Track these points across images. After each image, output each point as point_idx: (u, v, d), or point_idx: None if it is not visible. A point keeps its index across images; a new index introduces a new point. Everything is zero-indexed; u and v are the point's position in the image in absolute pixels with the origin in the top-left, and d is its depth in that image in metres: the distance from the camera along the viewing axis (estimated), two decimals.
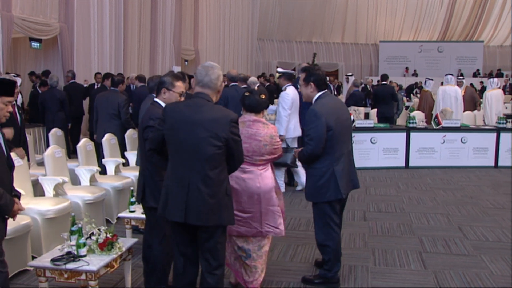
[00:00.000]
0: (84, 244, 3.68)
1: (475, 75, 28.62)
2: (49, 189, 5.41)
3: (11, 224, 3.68)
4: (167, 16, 15.68)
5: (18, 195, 3.26)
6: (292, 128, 7.46)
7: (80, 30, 11.42)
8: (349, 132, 4.39)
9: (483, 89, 19.56)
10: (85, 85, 11.01)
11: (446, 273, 4.70)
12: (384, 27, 31.06)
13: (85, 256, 3.65)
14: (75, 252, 3.65)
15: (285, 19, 28.97)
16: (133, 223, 4.95)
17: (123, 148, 7.42)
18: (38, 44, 10.63)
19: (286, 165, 6.67)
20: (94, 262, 3.59)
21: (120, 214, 5.09)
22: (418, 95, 16.44)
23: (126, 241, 4.05)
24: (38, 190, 5.82)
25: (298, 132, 7.55)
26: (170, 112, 3.27)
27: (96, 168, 6.23)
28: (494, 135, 10.17)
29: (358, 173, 4.50)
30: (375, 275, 4.66)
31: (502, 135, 10.14)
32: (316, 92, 4.27)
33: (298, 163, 5.80)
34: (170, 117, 3.24)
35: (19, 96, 8.36)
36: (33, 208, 4.81)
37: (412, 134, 10.02)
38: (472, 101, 12.77)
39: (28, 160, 5.78)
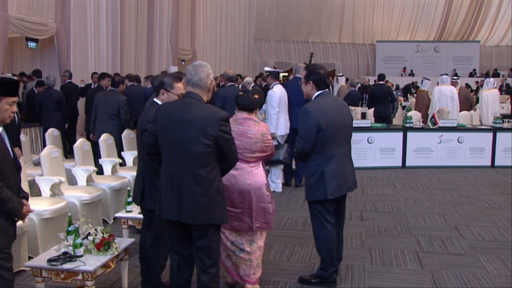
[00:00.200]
0: (81, 244, 3.67)
1: (471, 75, 28.68)
2: (45, 189, 5.40)
3: None
4: (164, 16, 15.66)
5: (26, 196, 3.21)
6: (281, 125, 7.61)
7: (77, 30, 11.38)
8: (345, 133, 4.29)
9: (479, 89, 19.60)
10: (82, 86, 10.98)
11: (443, 273, 4.71)
12: (381, 27, 31.09)
13: (81, 256, 3.64)
14: (72, 252, 3.65)
15: (282, 19, 28.97)
16: (130, 223, 4.94)
17: (120, 148, 7.40)
18: (35, 44, 10.61)
19: (279, 161, 6.73)
20: (91, 262, 3.58)
21: (117, 214, 5.09)
22: (415, 95, 16.47)
23: (123, 241, 4.05)
24: (34, 190, 5.80)
25: (287, 130, 7.71)
26: (161, 113, 3.32)
27: (92, 168, 6.22)
28: (490, 135, 10.19)
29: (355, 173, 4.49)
30: (372, 274, 4.67)
31: (499, 135, 10.17)
32: (315, 90, 4.28)
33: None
34: (161, 117, 3.29)
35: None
36: None
37: (409, 134, 10.03)
38: (466, 101, 12.80)
39: None
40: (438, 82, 11.83)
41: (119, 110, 7.65)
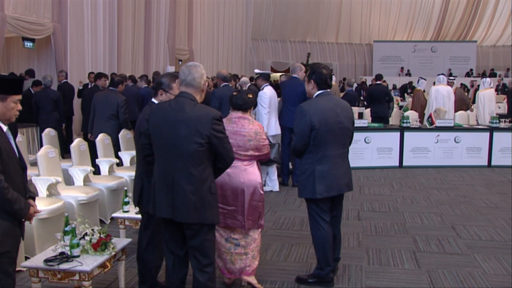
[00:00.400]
0: (78, 245, 3.66)
1: (468, 75, 28.75)
2: (42, 189, 5.39)
3: None
4: (161, 16, 15.65)
5: (33, 196, 3.17)
6: (272, 125, 7.77)
7: (74, 29, 11.36)
8: (341, 135, 4.23)
9: (469, 90, 19.64)
10: (80, 87, 10.94)
11: (440, 272, 4.72)
12: (378, 27, 31.15)
13: (78, 256, 3.64)
14: (69, 253, 3.64)
15: (279, 19, 28.98)
16: (127, 223, 4.94)
17: (117, 148, 7.39)
18: (31, 44, 10.58)
19: (270, 160, 6.80)
20: (88, 262, 3.58)
21: (114, 214, 5.08)
22: (411, 95, 16.51)
23: (120, 241, 4.04)
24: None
25: (278, 130, 7.88)
26: (154, 112, 3.35)
27: (89, 168, 6.21)
28: (487, 134, 10.21)
29: (352, 173, 4.49)
30: (369, 274, 4.67)
31: (495, 134, 10.19)
32: (316, 90, 4.29)
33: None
34: (154, 117, 3.32)
35: None
36: None
37: (406, 134, 10.05)
38: (462, 101, 12.82)
39: None
40: (434, 82, 11.86)
41: (118, 110, 7.64)
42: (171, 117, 3.24)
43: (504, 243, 5.58)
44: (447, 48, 30.62)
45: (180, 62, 17.77)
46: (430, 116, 10.41)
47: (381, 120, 10.96)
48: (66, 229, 3.83)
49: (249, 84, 9.81)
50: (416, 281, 4.54)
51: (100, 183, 6.24)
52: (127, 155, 7.28)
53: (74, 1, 11.32)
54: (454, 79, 13.67)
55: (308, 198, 4.29)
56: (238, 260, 4.13)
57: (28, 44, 10.53)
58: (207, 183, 3.28)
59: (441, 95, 11.51)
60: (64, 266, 3.53)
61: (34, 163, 6.61)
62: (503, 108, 15.26)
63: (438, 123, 10.19)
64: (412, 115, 11.31)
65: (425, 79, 13.24)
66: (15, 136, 6.02)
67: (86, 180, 6.13)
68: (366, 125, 9.97)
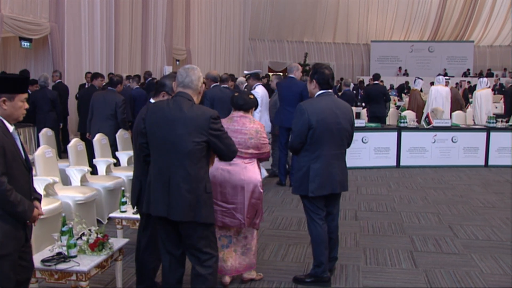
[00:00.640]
0: (75, 245, 3.66)
1: (465, 74, 28.82)
2: (39, 190, 5.34)
3: None
4: (159, 16, 15.64)
5: (38, 198, 3.13)
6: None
7: (71, 29, 11.34)
8: (338, 136, 4.24)
9: (471, 88, 19.62)
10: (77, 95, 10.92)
11: (437, 272, 4.73)
12: (375, 27, 31.20)
13: (75, 256, 3.63)
14: (66, 253, 3.64)
15: (277, 19, 29.00)
16: (124, 223, 4.93)
17: (114, 148, 7.38)
18: (28, 44, 10.55)
19: None
20: (85, 262, 3.57)
21: (111, 215, 5.07)
22: (408, 95, 16.54)
23: (117, 242, 4.04)
24: None
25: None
26: (152, 111, 3.37)
27: (87, 168, 6.20)
28: (484, 134, 10.23)
29: (349, 173, 4.50)
30: (366, 274, 4.68)
31: (492, 134, 10.21)
32: (317, 89, 4.32)
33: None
34: (151, 116, 3.34)
35: None
36: None
37: (403, 134, 10.06)
38: (456, 102, 12.83)
39: None
40: (433, 82, 11.87)
41: (116, 110, 7.62)
42: (168, 115, 3.26)
43: (501, 243, 5.60)
44: (444, 48, 30.69)
45: (178, 62, 17.76)
46: (427, 116, 10.43)
47: (378, 120, 10.98)
48: (63, 229, 3.83)
49: (245, 83, 9.81)
50: (413, 280, 4.55)
51: (97, 183, 6.23)
52: (124, 155, 7.27)
53: (71, 1, 11.30)
54: (449, 79, 13.70)
55: (302, 195, 4.34)
56: (229, 258, 4.19)
57: (25, 44, 10.50)
58: (203, 182, 3.29)
59: (440, 95, 11.54)
60: (61, 266, 3.53)
61: (31, 163, 6.58)
62: (500, 108, 15.29)
63: (435, 123, 10.21)
64: (409, 115, 11.32)
65: (421, 79, 13.25)
66: None
67: (83, 180, 6.12)
68: (363, 125, 9.98)
